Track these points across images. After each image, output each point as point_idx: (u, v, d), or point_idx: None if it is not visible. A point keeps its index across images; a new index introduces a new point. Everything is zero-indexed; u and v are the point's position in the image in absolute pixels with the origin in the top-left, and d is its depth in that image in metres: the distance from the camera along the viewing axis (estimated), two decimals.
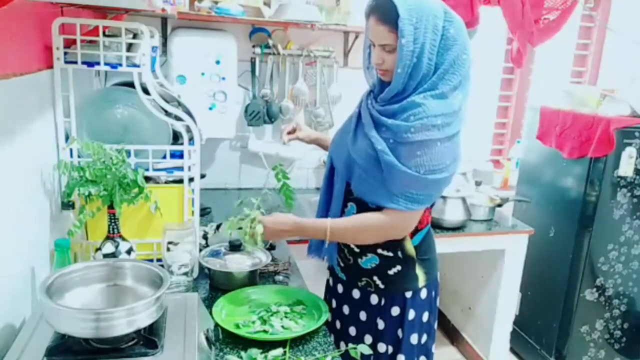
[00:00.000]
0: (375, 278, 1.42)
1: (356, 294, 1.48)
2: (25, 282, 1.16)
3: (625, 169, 2.34)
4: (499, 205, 2.46)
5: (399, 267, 1.39)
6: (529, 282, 2.65)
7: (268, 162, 2.58)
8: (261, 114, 2.45)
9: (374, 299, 1.44)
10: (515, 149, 3.01)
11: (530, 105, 2.94)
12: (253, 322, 1.28)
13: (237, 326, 1.26)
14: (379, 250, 1.39)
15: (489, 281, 2.57)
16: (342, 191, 1.40)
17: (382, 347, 1.45)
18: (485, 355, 2.65)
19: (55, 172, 1.39)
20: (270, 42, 2.39)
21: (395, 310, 1.42)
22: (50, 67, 1.36)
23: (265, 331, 1.25)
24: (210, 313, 1.26)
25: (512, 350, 2.75)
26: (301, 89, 2.48)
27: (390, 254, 1.39)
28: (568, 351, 2.56)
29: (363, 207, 1.36)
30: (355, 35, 2.50)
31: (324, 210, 1.46)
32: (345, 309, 1.51)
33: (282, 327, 1.26)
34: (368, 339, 1.47)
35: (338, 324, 1.54)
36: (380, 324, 1.44)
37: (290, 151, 2.61)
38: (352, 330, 1.50)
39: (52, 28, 1.33)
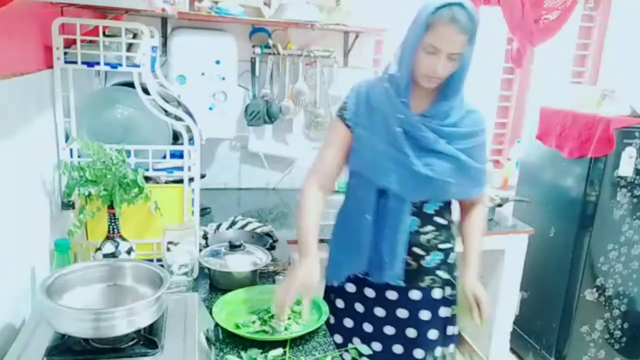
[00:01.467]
0: (439, 272, 1.45)
1: (416, 295, 1.46)
2: (25, 282, 1.16)
3: (625, 169, 2.35)
4: (499, 205, 2.46)
5: (454, 254, 1.49)
6: (529, 282, 2.65)
7: (268, 162, 2.59)
8: (261, 114, 2.45)
9: (437, 293, 1.46)
10: (515, 149, 3.01)
11: (530, 105, 2.94)
12: (253, 322, 1.28)
13: (237, 326, 1.26)
14: (441, 245, 1.45)
15: (489, 281, 2.57)
16: (408, 215, 1.39)
17: (452, 330, 1.51)
18: (485, 355, 2.65)
19: (55, 172, 1.39)
20: (270, 42, 2.39)
21: (448, 291, 1.49)
22: (50, 67, 1.37)
23: (265, 331, 1.25)
24: (210, 313, 1.26)
25: (512, 350, 2.75)
26: (301, 89, 2.48)
27: (450, 245, 1.47)
28: (568, 351, 2.56)
29: (423, 217, 1.42)
30: (355, 35, 2.50)
31: (374, 238, 1.41)
32: (403, 313, 1.47)
33: (282, 327, 1.26)
34: (434, 334, 1.48)
35: (391, 330, 1.50)
36: (447, 312, 1.48)
37: (290, 151, 2.61)
38: (412, 333, 1.48)
39: (52, 28, 1.33)
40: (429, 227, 1.43)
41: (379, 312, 1.50)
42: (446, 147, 1.34)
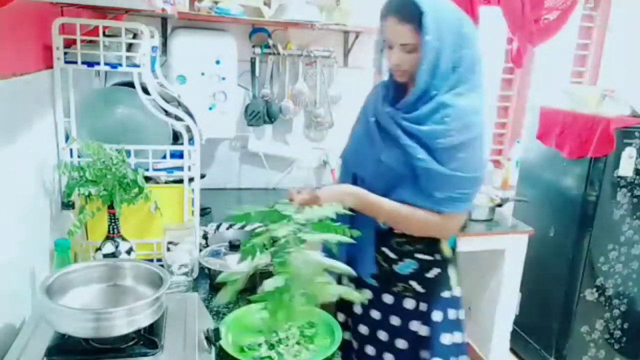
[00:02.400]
0: (412, 283, 1.38)
1: (388, 299, 1.41)
2: (25, 282, 1.16)
3: (625, 169, 2.35)
4: (499, 205, 2.46)
5: (438, 270, 1.38)
6: (529, 282, 2.65)
7: (268, 162, 2.58)
8: (261, 114, 2.45)
9: (409, 303, 1.40)
10: (515, 149, 3.01)
11: (530, 105, 2.94)
12: (260, 345, 1.19)
13: (242, 349, 1.18)
14: (418, 255, 1.36)
15: (489, 281, 2.57)
16: None
17: (424, 354, 1.39)
18: (485, 355, 2.64)
19: (55, 172, 1.39)
20: (270, 42, 2.39)
21: (436, 315, 1.38)
22: (50, 67, 1.37)
23: (271, 357, 1.16)
24: (218, 331, 1.14)
25: (512, 350, 2.75)
26: (301, 89, 2.48)
27: (430, 258, 1.37)
28: (568, 351, 2.56)
29: None
30: (355, 35, 2.50)
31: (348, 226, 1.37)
32: (375, 314, 1.44)
33: (291, 354, 1.18)
34: (402, 343, 1.41)
35: (365, 330, 1.47)
36: (423, 330, 1.39)
37: (290, 151, 2.61)
38: (383, 335, 1.43)
39: (52, 28, 1.33)
40: None
41: (357, 309, 1.48)
42: (406, 141, 1.26)
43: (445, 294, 1.40)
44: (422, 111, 1.25)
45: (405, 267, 1.38)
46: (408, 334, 1.41)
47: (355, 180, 1.39)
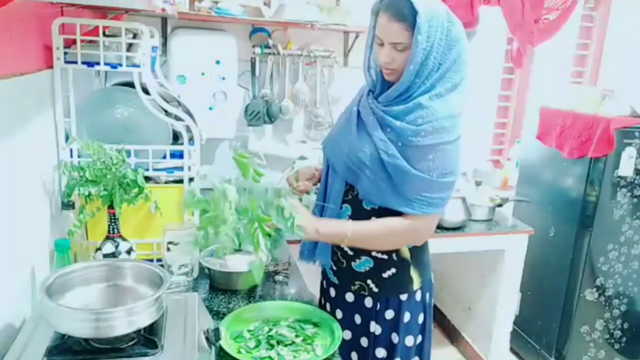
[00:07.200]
0: (369, 282, 1.39)
1: (350, 297, 1.45)
2: (25, 282, 1.16)
3: (625, 169, 2.35)
4: (499, 205, 2.46)
5: (393, 270, 1.38)
6: (529, 282, 2.65)
7: (268, 162, 2.58)
8: (261, 114, 2.44)
9: (368, 302, 1.41)
10: (515, 149, 3.01)
11: (530, 105, 2.94)
12: (258, 346, 1.21)
13: (239, 351, 1.18)
14: (374, 253, 1.37)
15: (489, 281, 2.57)
16: (340, 191, 1.37)
17: (380, 352, 1.42)
18: (485, 355, 2.65)
19: (55, 172, 1.40)
20: (270, 42, 2.39)
21: (389, 314, 1.40)
22: (50, 67, 1.37)
23: (270, 357, 1.17)
24: (218, 330, 1.14)
25: (512, 350, 2.75)
26: (301, 89, 2.48)
27: (385, 257, 1.37)
28: (568, 351, 2.56)
29: (358, 209, 1.35)
30: (355, 35, 2.50)
31: (319, 212, 1.43)
32: (339, 313, 1.48)
33: (291, 355, 1.18)
34: (364, 341, 1.44)
35: None
36: (377, 329, 1.41)
37: (290, 151, 2.61)
38: (347, 334, 1.45)
39: (52, 28, 1.33)
40: None
41: (327, 307, 1.51)
42: (379, 135, 1.27)
43: (403, 296, 1.40)
44: (399, 108, 1.25)
45: (362, 264, 1.39)
46: (368, 334, 1.43)
47: (328, 168, 1.42)
